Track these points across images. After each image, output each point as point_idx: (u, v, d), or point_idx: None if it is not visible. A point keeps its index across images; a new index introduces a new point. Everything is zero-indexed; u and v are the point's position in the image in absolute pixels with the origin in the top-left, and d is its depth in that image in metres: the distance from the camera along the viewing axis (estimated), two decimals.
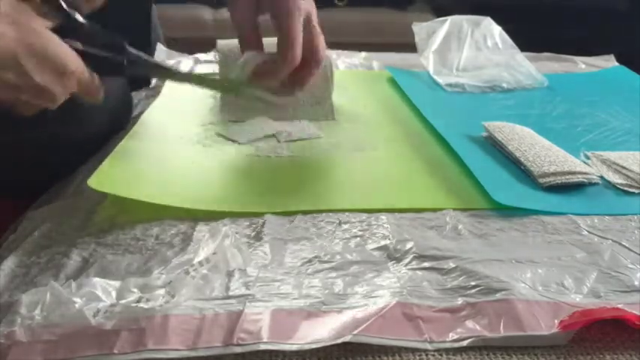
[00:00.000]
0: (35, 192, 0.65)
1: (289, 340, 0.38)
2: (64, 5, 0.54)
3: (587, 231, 0.52)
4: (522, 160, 0.61)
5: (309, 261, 0.47)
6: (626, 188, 0.59)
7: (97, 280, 0.43)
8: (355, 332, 0.39)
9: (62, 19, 0.54)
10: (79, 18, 0.55)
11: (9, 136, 0.67)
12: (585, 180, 0.59)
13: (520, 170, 0.62)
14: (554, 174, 0.58)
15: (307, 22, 0.65)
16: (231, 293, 0.42)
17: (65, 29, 0.54)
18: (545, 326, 0.40)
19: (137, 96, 0.89)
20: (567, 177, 0.58)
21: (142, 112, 0.78)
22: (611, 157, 0.64)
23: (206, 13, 2.46)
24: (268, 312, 0.40)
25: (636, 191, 0.59)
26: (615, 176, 0.61)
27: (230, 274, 0.45)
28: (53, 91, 0.52)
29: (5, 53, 0.48)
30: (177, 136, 0.71)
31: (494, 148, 0.67)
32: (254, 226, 0.52)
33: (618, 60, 1.07)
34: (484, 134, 0.70)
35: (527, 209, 0.55)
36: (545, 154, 0.61)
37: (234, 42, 0.73)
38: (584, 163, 0.63)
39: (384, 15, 2.56)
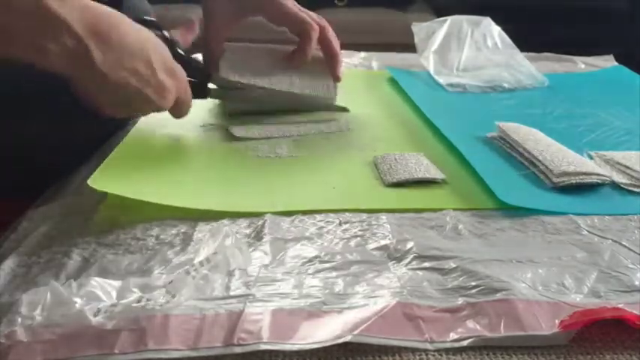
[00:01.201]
0: (35, 192, 0.65)
1: (290, 340, 0.38)
2: (167, 36, 0.67)
3: (588, 231, 0.52)
4: (540, 158, 0.61)
5: (310, 261, 0.47)
6: (630, 188, 0.59)
7: (97, 279, 0.43)
8: (355, 332, 0.39)
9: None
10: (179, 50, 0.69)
11: (10, 136, 0.67)
12: (599, 181, 0.59)
13: (524, 170, 0.62)
14: (572, 174, 0.58)
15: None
16: (231, 293, 0.42)
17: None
18: (546, 326, 0.40)
19: None
20: (581, 177, 0.58)
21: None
22: (614, 157, 0.64)
23: None
24: (269, 312, 0.40)
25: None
26: (619, 176, 0.61)
27: (230, 274, 0.44)
28: (169, 88, 0.60)
29: (142, 46, 0.57)
30: (177, 136, 0.71)
31: (500, 148, 0.67)
32: (254, 225, 0.52)
33: (618, 60, 1.07)
34: (490, 134, 0.70)
35: (527, 209, 0.55)
36: (562, 155, 0.61)
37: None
38: None
39: (384, 15, 2.55)
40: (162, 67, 0.59)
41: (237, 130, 0.71)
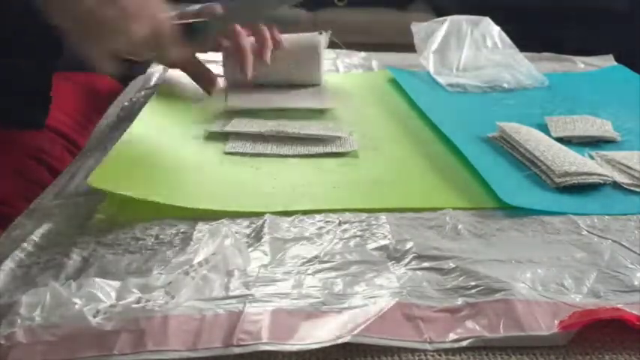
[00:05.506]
0: None
1: (289, 341, 0.38)
2: None
3: (587, 231, 0.52)
4: (542, 159, 0.61)
5: (309, 261, 0.47)
6: (632, 188, 0.59)
7: (96, 280, 0.43)
8: (355, 333, 0.38)
9: None
10: None
11: None
12: (601, 181, 0.59)
13: (526, 171, 0.62)
14: (574, 174, 0.58)
15: None
16: (231, 293, 0.42)
17: None
18: (545, 326, 0.40)
19: (137, 95, 0.89)
20: (583, 177, 0.58)
21: (140, 111, 0.78)
22: (615, 156, 0.64)
23: None
24: (268, 312, 0.40)
25: None
26: (621, 176, 0.61)
27: (230, 274, 0.44)
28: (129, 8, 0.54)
29: None
30: (176, 135, 0.71)
31: (501, 148, 0.67)
32: (254, 225, 0.52)
33: (618, 60, 1.07)
34: (491, 134, 0.70)
35: (527, 209, 0.55)
36: (564, 155, 0.61)
37: None
38: None
39: (384, 15, 2.55)
40: None
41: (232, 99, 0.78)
